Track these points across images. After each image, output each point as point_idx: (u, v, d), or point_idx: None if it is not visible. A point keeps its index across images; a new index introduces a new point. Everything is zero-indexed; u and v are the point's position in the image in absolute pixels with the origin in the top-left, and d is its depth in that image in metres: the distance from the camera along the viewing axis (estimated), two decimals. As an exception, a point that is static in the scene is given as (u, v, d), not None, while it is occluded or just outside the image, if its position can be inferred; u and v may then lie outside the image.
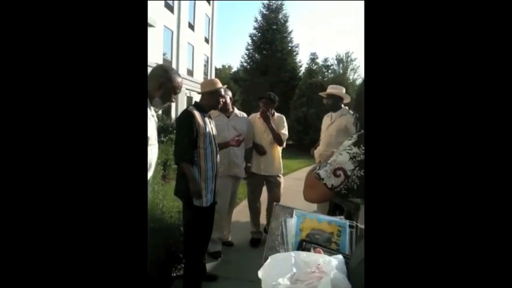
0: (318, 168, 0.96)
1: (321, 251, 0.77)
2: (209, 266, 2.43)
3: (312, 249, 0.79)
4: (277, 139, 3.06)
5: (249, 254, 2.86)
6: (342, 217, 0.93)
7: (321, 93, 3.25)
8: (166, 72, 1.63)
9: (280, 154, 3.26)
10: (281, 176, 3.27)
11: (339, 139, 2.72)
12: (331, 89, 3.07)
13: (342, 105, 3.06)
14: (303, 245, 0.81)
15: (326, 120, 3.15)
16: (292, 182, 3.37)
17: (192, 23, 17.79)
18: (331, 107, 3.05)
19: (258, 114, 3.17)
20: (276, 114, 3.22)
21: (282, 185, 3.25)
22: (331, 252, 0.78)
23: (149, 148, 1.53)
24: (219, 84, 2.25)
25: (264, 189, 3.29)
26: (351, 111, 2.80)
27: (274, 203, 1.10)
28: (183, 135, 2.06)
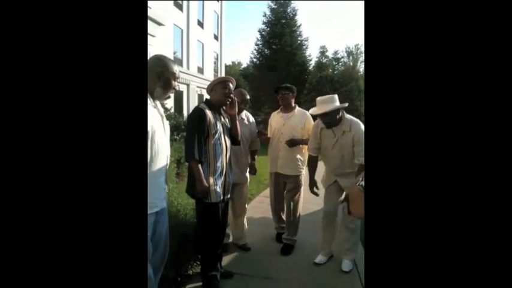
0: (361, 179, 0.88)
1: None
2: (224, 263, 2.45)
3: None
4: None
5: (263, 250, 2.86)
6: None
7: (312, 113, 2.56)
8: (161, 61, 1.64)
9: (302, 152, 2.85)
10: (301, 175, 2.87)
11: (349, 161, 2.37)
12: (321, 106, 2.39)
13: (340, 113, 2.42)
14: None
15: (326, 135, 2.48)
16: (303, 178, 3.08)
17: (201, 21, 17.83)
18: (331, 125, 2.43)
19: (278, 111, 2.98)
20: (298, 108, 2.89)
21: (303, 186, 2.87)
22: None
23: (157, 139, 1.55)
24: (225, 78, 2.22)
25: None
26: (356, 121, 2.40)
27: None
28: (193, 132, 2.05)
